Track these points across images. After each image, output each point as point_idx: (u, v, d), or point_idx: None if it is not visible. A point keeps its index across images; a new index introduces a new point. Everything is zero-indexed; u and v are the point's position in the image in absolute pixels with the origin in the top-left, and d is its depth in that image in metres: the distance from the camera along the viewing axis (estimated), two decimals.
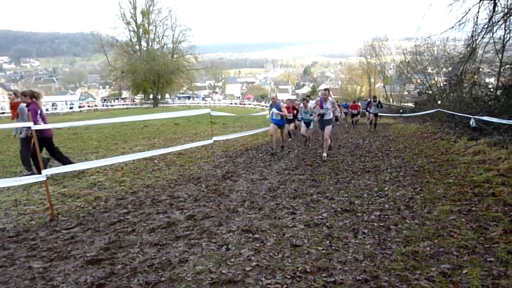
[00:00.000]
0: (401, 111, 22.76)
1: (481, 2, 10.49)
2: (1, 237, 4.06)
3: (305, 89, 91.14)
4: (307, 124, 10.73)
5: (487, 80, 14.93)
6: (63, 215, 4.82)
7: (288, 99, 13.60)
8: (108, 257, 3.37)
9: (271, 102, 9.97)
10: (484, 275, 2.69)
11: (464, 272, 2.75)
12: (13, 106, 7.77)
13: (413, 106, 22.34)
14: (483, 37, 11.07)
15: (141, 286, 2.83)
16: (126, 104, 49.92)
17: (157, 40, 52.42)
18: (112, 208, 5.04)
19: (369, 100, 17.22)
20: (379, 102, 14.95)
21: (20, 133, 6.92)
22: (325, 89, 8.99)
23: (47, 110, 42.87)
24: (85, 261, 3.29)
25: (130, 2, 49.91)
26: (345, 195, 5.18)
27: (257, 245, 3.48)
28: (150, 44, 51.84)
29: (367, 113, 17.80)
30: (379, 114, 16.36)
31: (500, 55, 10.92)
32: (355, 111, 19.20)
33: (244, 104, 54.69)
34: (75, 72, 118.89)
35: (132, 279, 2.92)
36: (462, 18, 10.97)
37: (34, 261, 3.38)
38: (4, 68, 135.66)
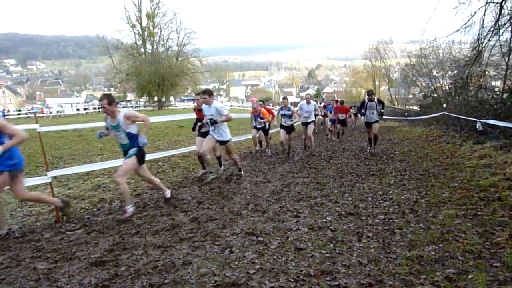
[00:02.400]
0: (406, 114, 22.68)
1: (487, 4, 10.45)
2: (7, 238, 4.09)
3: (310, 92, 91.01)
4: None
5: (493, 83, 14.83)
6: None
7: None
8: (112, 259, 3.38)
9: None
10: (490, 280, 2.66)
11: (469, 277, 2.72)
12: None
13: (418, 109, 22.24)
14: (489, 40, 11.03)
15: None
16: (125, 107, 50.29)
17: (162, 43, 52.66)
18: (116, 210, 5.06)
19: (363, 100, 9.96)
20: (379, 100, 9.23)
21: None
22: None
23: (50, 112, 43.22)
24: (89, 263, 3.30)
25: (136, 5, 50.24)
26: (350, 198, 5.16)
27: (261, 248, 3.47)
28: (155, 47, 52.08)
29: (362, 119, 13.19)
30: (381, 119, 9.80)
31: (506, 58, 10.85)
32: (342, 116, 13.01)
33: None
34: (80, 74, 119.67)
35: (136, 281, 2.92)
36: (468, 21, 10.96)
37: (39, 262, 3.40)
38: (11, 71, 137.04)
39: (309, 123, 9.66)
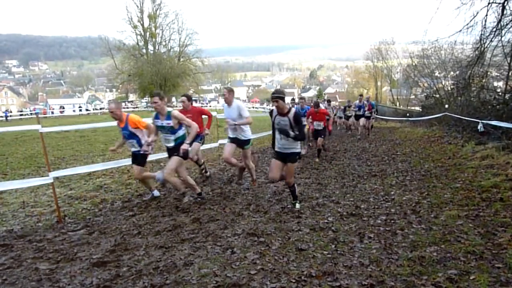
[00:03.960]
0: (407, 115, 22.63)
1: (490, 5, 10.40)
2: (8, 238, 4.11)
3: (311, 93, 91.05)
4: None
5: (495, 84, 14.76)
6: (70, 217, 4.86)
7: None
8: (113, 259, 3.39)
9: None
10: (492, 281, 2.65)
11: (471, 278, 2.72)
12: None
13: (420, 110, 22.18)
14: (491, 41, 10.97)
15: None
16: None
17: (163, 43, 52.75)
18: (118, 211, 5.07)
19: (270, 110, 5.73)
20: (296, 118, 4.51)
21: None
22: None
23: (52, 113, 43.44)
24: (91, 263, 3.31)
25: (137, 6, 50.34)
26: (351, 199, 5.15)
27: (262, 248, 3.47)
28: (156, 47, 52.18)
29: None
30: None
31: (508, 59, 10.81)
32: (319, 125, 8.87)
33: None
34: (82, 75, 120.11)
35: (137, 282, 2.92)
36: (470, 21, 10.89)
37: (40, 263, 3.41)
38: (13, 72, 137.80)
39: (241, 142, 5.81)
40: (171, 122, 4.86)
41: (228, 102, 5.74)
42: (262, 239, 3.70)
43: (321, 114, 8.89)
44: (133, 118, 5.23)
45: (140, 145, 5.22)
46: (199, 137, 6.35)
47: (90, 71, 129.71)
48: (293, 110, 4.63)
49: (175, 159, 4.88)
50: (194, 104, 7.16)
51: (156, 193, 5.70)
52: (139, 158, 5.31)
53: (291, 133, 4.47)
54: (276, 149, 4.79)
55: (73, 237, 4.06)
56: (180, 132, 4.99)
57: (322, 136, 8.99)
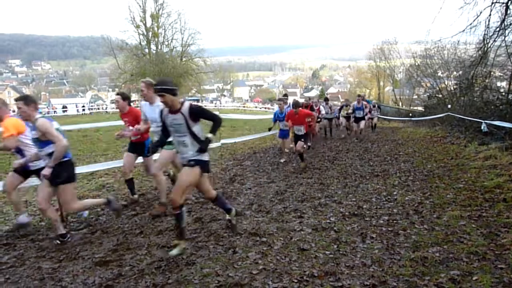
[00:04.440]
0: (410, 115, 22.57)
1: (493, 5, 10.36)
2: (11, 237, 4.12)
3: (314, 93, 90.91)
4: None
5: (498, 84, 14.72)
6: (72, 216, 4.87)
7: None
8: (116, 258, 3.40)
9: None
10: (495, 282, 2.65)
11: (474, 279, 2.71)
12: None
13: (423, 110, 22.12)
14: (494, 41, 10.92)
15: None
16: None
17: (166, 43, 52.75)
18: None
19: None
20: (196, 111, 3.43)
21: None
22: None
23: (55, 112, 43.59)
24: (93, 263, 3.32)
25: (140, 6, 50.39)
26: (353, 199, 5.14)
27: (264, 248, 3.47)
28: (159, 47, 52.21)
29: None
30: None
31: None
32: (299, 130, 7.57)
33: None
34: (85, 75, 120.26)
35: (139, 281, 2.93)
36: (474, 21, 10.85)
37: (43, 262, 3.42)
38: (16, 71, 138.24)
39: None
40: (37, 133, 3.65)
41: (149, 99, 4.65)
42: (264, 239, 3.71)
43: (301, 116, 7.42)
44: (7, 123, 3.96)
45: (24, 156, 4.04)
46: (145, 149, 5.10)
47: (92, 70, 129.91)
48: (187, 104, 3.46)
49: (63, 187, 3.75)
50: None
51: (21, 219, 4.32)
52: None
53: (209, 135, 3.38)
54: (179, 160, 3.76)
55: (75, 236, 4.07)
56: (53, 147, 3.66)
57: (302, 140, 7.53)
